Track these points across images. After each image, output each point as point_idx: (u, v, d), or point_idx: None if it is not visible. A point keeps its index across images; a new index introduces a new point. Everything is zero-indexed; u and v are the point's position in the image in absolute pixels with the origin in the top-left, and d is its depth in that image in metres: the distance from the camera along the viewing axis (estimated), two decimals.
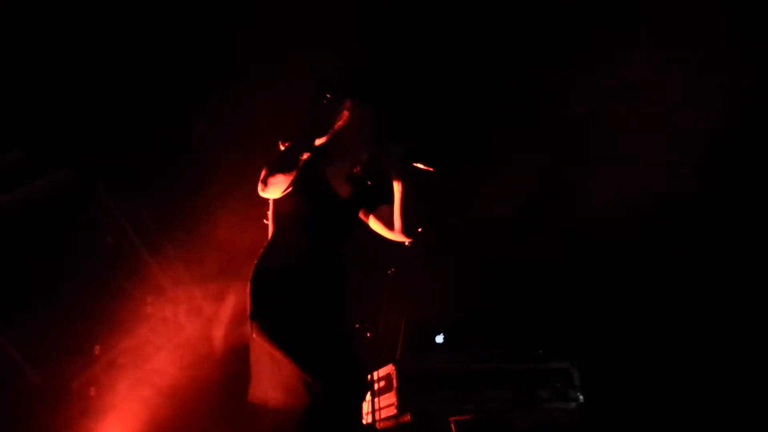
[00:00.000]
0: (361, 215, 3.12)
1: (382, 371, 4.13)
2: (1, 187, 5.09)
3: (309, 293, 2.83)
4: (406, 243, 3.11)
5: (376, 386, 4.14)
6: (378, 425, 4.08)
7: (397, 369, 3.95)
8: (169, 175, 5.72)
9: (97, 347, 5.38)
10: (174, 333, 5.77)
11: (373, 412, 4.10)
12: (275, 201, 2.97)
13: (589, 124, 5.66)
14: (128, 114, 5.44)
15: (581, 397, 4.07)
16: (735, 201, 5.50)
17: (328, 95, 3.10)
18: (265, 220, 3.06)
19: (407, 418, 3.90)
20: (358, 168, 3.10)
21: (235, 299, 5.83)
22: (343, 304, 2.93)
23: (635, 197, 5.75)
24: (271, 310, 2.79)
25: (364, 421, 4.29)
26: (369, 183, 3.13)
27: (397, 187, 3.00)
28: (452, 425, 4.07)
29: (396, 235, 3.08)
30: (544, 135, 5.88)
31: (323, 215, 2.97)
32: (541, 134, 5.87)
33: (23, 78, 4.98)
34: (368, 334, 4.30)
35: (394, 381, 3.94)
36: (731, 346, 5.46)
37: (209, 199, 5.77)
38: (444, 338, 4.14)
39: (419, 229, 3.08)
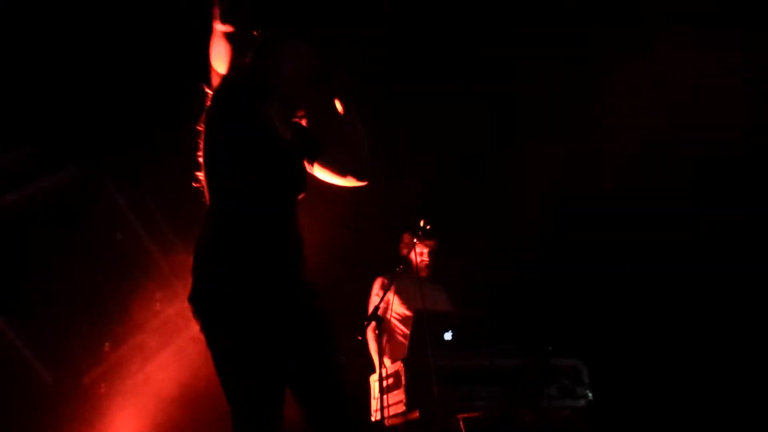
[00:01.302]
0: (305, 164, 2.72)
1: (391, 368, 4.13)
2: (11, 186, 5.12)
3: (262, 271, 2.39)
4: (360, 185, 2.77)
5: (384, 383, 4.15)
6: (387, 422, 4.09)
7: (405, 366, 3.95)
8: (177, 172, 5.72)
9: (107, 345, 5.41)
10: (183, 330, 5.79)
11: (382, 409, 4.10)
12: (213, 158, 2.53)
13: (598, 122, 5.63)
14: (139, 111, 5.46)
15: (590, 395, 4.06)
16: (739, 202, 5.47)
17: (255, 33, 2.72)
18: (195, 183, 2.67)
19: (416, 415, 3.90)
20: (297, 111, 2.75)
21: None
22: (301, 284, 2.49)
23: (642, 196, 5.75)
24: (210, 294, 2.37)
25: (373, 419, 4.30)
26: (309, 126, 2.76)
27: (347, 122, 2.68)
28: (461, 422, 4.07)
29: (348, 180, 2.73)
30: (550, 133, 5.85)
31: (274, 167, 2.52)
32: (546, 133, 5.84)
33: (31, 76, 5.00)
34: (359, 338, 4.21)
35: (403, 378, 3.94)
36: (739, 343, 5.44)
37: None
38: (452, 335, 4.12)
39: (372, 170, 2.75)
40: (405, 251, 5.07)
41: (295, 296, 2.45)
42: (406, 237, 5.13)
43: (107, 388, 5.27)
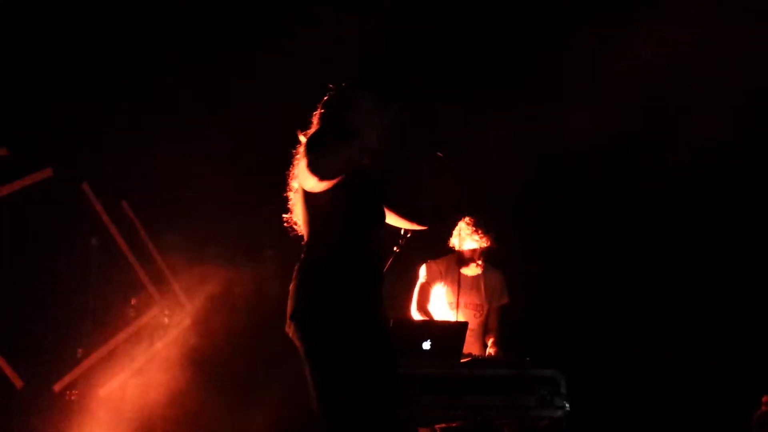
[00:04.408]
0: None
1: None
2: None
3: (358, 293, 2.81)
4: (421, 229, 3.14)
5: None
6: None
7: None
8: (155, 177, 5.68)
9: (80, 351, 5.33)
10: (158, 336, 5.73)
11: None
12: (310, 198, 2.89)
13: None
14: (119, 115, 5.41)
15: (567, 405, 4.05)
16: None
17: (332, 86, 3.07)
18: (294, 225, 3.02)
19: None
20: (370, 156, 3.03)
21: (219, 303, 5.81)
22: (382, 305, 2.94)
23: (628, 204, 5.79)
24: (314, 312, 2.75)
25: None
26: (383, 171, 3.07)
27: (418, 173, 3.00)
28: None
29: (410, 225, 3.11)
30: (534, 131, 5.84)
31: (365, 207, 2.93)
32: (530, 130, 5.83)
33: (5, 76, 4.94)
34: None
35: None
36: (719, 355, 5.48)
37: (195, 202, 5.73)
38: (431, 344, 4.10)
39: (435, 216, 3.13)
40: (456, 243, 4.83)
41: (378, 307, 2.90)
42: (460, 228, 4.83)
43: (79, 395, 5.18)
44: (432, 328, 4.34)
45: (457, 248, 4.85)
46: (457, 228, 4.89)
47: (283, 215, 3.06)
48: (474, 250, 4.78)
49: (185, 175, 5.66)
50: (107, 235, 5.68)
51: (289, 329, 2.79)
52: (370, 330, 2.80)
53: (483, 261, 4.81)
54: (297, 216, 3.01)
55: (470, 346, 4.61)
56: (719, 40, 5.26)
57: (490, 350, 4.68)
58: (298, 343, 2.76)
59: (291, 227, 3.05)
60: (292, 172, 3.04)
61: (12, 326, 4.94)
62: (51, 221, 5.24)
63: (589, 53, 5.61)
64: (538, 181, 5.95)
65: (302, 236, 2.98)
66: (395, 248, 4.45)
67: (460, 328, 4.31)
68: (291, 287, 2.83)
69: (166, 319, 5.78)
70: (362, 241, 2.89)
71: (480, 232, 4.74)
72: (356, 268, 2.84)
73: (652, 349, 5.75)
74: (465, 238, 4.78)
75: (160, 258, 5.95)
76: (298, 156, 2.98)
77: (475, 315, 4.82)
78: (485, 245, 4.77)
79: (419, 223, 3.10)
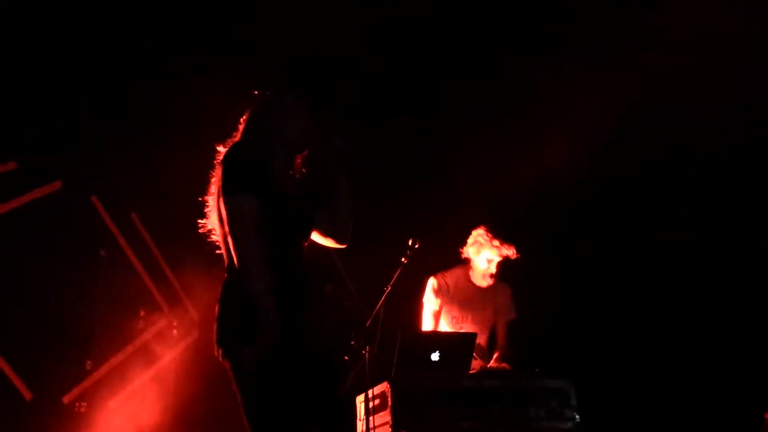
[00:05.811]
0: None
1: (377, 389, 4.08)
2: None
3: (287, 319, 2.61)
4: (338, 248, 3.00)
5: (370, 404, 4.10)
6: None
7: (392, 387, 3.91)
8: (163, 188, 5.70)
9: (89, 363, 5.34)
10: (166, 348, 5.73)
11: (368, 430, 4.05)
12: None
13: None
14: (124, 126, 5.43)
15: (577, 417, 4.03)
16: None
17: (257, 92, 2.99)
18: (210, 233, 2.88)
19: None
20: (298, 165, 2.93)
21: None
22: (321, 324, 2.79)
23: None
24: (236, 342, 2.59)
25: None
26: (308, 185, 2.95)
27: (341, 187, 2.90)
28: None
29: (331, 242, 2.96)
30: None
31: (289, 224, 2.75)
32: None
33: (16, 88, 4.96)
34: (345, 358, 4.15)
35: (389, 399, 3.90)
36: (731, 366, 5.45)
37: (204, 213, 5.73)
38: (440, 356, 4.09)
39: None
40: (470, 252, 4.71)
41: (308, 326, 2.72)
42: (478, 235, 4.70)
43: (88, 407, 5.18)
44: (440, 339, 4.34)
45: (472, 258, 4.74)
46: (471, 237, 4.74)
47: (198, 220, 2.93)
48: (491, 261, 4.66)
49: (194, 186, 5.66)
50: (116, 247, 5.69)
51: (217, 354, 2.66)
52: (291, 359, 2.61)
53: (496, 273, 4.68)
54: (212, 223, 2.86)
55: (477, 363, 4.53)
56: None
57: (492, 364, 4.59)
58: (227, 367, 2.64)
59: (206, 233, 2.90)
60: (211, 177, 2.92)
61: (21, 338, 4.94)
62: (60, 233, 5.25)
63: (590, 60, 5.61)
64: (544, 189, 5.95)
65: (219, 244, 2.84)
66: (402, 260, 4.44)
67: (469, 339, 4.30)
68: (215, 309, 2.70)
69: (174, 331, 5.79)
70: (285, 264, 2.70)
71: (500, 240, 4.60)
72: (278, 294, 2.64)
73: (663, 359, 5.72)
74: (484, 245, 4.63)
75: (169, 270, 5.96)
76: (217, 168, 2.86)
77: (481, 330, 4.72)
78: (506, 254, 4.63)
79: (338, 241, 2.97)
